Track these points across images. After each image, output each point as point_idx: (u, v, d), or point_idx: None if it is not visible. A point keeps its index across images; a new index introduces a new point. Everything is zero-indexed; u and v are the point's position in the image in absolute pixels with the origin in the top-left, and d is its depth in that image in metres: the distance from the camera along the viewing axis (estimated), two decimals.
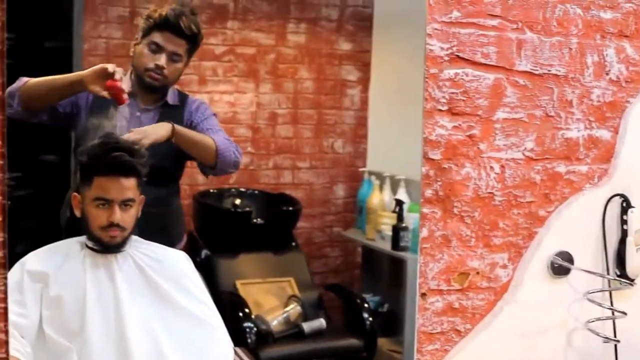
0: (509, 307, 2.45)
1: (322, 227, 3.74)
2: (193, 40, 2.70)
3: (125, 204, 2.36)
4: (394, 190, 3.63)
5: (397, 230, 3.51)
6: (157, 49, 2.64)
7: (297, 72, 3.63)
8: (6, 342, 1.89)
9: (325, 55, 3.68)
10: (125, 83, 2.50)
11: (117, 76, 2.45)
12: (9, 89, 2.34)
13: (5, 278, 1.86)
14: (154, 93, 2.70)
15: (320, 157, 3.70)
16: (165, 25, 2.64)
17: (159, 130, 2.60)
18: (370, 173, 3.72)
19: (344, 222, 3.79)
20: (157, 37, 2.64)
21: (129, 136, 2.52)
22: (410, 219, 3.51)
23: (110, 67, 2.45)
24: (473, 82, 2.32)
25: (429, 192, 2.32)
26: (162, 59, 2.64)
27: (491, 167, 2.37)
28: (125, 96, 2.49)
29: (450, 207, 2.34)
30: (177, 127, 2.61)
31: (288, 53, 3.62)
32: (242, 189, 3.58)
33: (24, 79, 2.42)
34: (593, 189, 2.51)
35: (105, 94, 2.47)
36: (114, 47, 3.17)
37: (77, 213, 2.40)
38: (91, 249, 2.38)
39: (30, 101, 2.44)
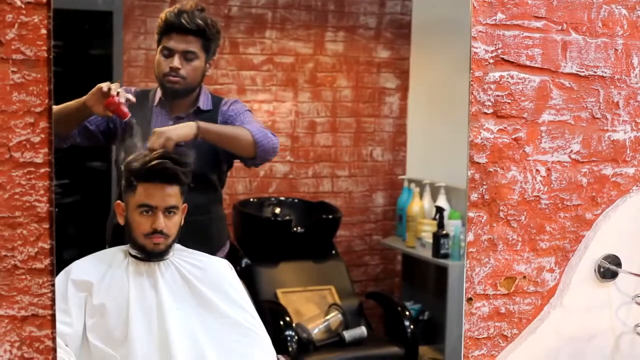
0: (556, 311, 2.43)
1: (362, 236, 3.72)
2: (203, 35, 2.70)
3: (169, 211, 2.39)
4: (434, 198, 3.61)
5: (438, 237, 3.49)
6: (168, 52, 2.65)
7: (335, 81, 3.62)
8: (54, 349, 1.90)
9: (364, 63, 3.67)
10: (122, 97, 2.50)
11: (112, 92, 2.47)
12: None
13: (53, 285, 1.88)
14: (181, 98, 2.71)
15: (359, 166, 3.69)
16: (168, 27, 2.65)
17: (181, 130, 2.62)
18: (410, 180, 3.70)
19: (383, 230, 3.77)
20: (166, 41, 2.66)
21: (152, 142, 2.54)
22: (451, 226, 3.49)
23: (105, 85, 2.47)
24: (518, 85, 2.31)
25: (474, 196, 2.31)
26: (175, 61, 2.65)
27: (537, 170, 2.36)
28: (125, 110, 2.50)
29: (496, 211, 2.33)
30: (202, 123, 2.63)
31: (326, 62, 3.61)
32: (282, 198, 3.57)
33: None
34: None
35: (104, 113, 2.48)
36: (153, 58, 3.17)
37: (121, 221, 2.42)
38: (134, 257, 2.40)
39: (56, 129, 2.44)
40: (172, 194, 2.40)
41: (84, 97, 2.48)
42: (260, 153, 2.74)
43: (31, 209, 1.85)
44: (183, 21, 2.65)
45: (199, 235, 2.67)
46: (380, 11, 3.70)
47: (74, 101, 2.50)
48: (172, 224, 2.40)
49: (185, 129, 2.62)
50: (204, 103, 2.73)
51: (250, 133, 2.71)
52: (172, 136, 2.58)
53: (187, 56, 2.67)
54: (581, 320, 2.47)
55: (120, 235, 2.45)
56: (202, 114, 2.72)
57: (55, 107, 2.40)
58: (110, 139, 2.60)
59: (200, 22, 2.68)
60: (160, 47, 2.66)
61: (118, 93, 2.48)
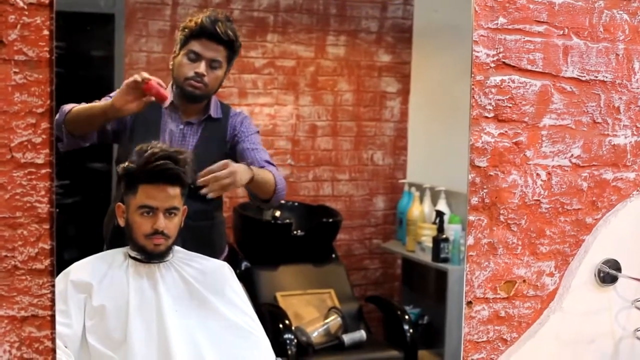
0: (556, 315, 2.44)
1: (362, 239, 3.73)
2: (231, 47, 2.70)
3: (170, 212, 2.39)
4: (434, 202, 3.61)
5: (438, 241, 3.49)
6: (195, 57, 2.65)
7: (336, 85, 3.63)
8: (53, 350, 1.90)
9: (365, 67, 3.67)
10: (156, 81, 2.51)
11: (148, 77, 2.47)
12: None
13: (53, 286, 1.88)
14: (196, 103, 2.70)
15: (359, 169, 3.69)
16: (202, 32, 2.65)
17: (244, 176, 2.68)
18: (410, 185, 3.70)
19: (383, 234, 3.78)
20: (195, 45, 2.65)
21: (217, 167, 2.62)
22: (451, 230, 3.49)
23: (137, 76, 2.48)
24: (519, 89, 2.31)
25: (475, 200, 2.31)
26: (201, 67, 2.64)
27: (538, 174, 2.36)
28: (164, 92, 2.50)
29: (496, 215, 2.33)
30: (256, 175, 2.68)
31: (327, 65, 3.61)
32: (282, 201, 3.57)
33: (66, 108, 2.42)
34: None
35: (138, 107, 2.48)
36: (154, 61, 3.18)
37: (121, 222, 2.42)
38: (134, 258, 2.39)
39: (76, 130, 2.45)
40: (173, 195, 2.40)
41: (111, 100, 2.48)
42: (274, 200, 2.79)
43: (32, 210, 1.85)
44: (218, 30, 2.65)
45: (203, 240, 2.68)
46: (381, 15, 3.70)
47: (97, 104, 2.50)
48: (172, 225, 2.40)
49: (245, 178, 2.68)
50: (215, 111, 2.73)
51: (274, 180, 2.75)
52: (236, 185, 2.70)
53: (212, 64, 2.67)
54: (581, 325, 2.47)
55: (119, 236, 2.45)
56: (212, 121, 2.72)
57: (76, 109, 2.44)
58: (116, 138, 2.60)
59: (231, 34, 2.69)
60: (185, 49, 2.65)
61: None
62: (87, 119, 2.47)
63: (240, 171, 2.64)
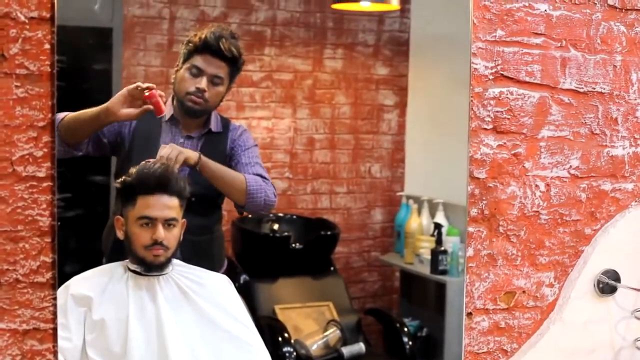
0: (556, 326, 2.44)
1: (360, 252, 3.72)
2: (234, 64, 2.70)
3: (169, 223, 2.39)
4: (432, 214, 3.61)
5: (436, 253, 3.48)
6: (197, 72, 2.64)
7: (334, 98, 3.62)
8: None
9: (362, 80, 3.67)
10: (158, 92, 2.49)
11: (152, 86, 2.46)
12: None
13: (55, 299, 1.89)
14: (196, 118, 2.70)
15: (357, 182, 3.68)
16: (205, 47, 2.64)
17: (188, 152, 2.58)
18: (408, 197, 3.69)
19: (382, 246, 3.77)
20: (197, 60, 2.64)
21: (166, 152, 2.52)
22: (449, 242, 3.48)
23: (141, 83, 2.46)
24: (518, 101, 2.32)
25: (474, 211, 2.32)
26: (202, 82, 2.63)
27: (536, 186, 2.37)
28: (163, 105, 2.49)
29: (495, 226, 2.34)
30: (204, 158, 2.60)
31: (325, 78, 3.61)
32: (281, 214, 3.57)
33: (61, 115, 2.41)
34: (639, 206, 2.50)
35: (134, 115, 2.46)
36: (152, 75, 3.18)
37: (120, 235, 2.41)
38: (134, 271, 2.39)
39: (68, 137, 2.43)
40: (172, 206, 2.40)
41: (106, 104, 2.45)
42: (250, 205, 2.72)
43: (33, 223, 1.86)
44: (221, 46, 2.64)
45: (202, 254, 2.67)
46: (378, 28, 3.71)
47: (90, 109, 2.49)
48: (171, 236, 2.39)
49: (190, 153, 2.59)
50: (215, 125, 2.72)
51: (246, 183, 2.69)
52: (184, 155, 2.54)
53: (214, 80, 2.66)
54: (581, 335, 2.48)
55: (119, 250, 2.44)
56: (213, 135, 2.71)
57: (71, 115, 2.42)
58: (115, 151, 2.60)
59: (235, 51, 2.68)
60: (188, 63, 2.64)
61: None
62: (80, 124, 2.44)
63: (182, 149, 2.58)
